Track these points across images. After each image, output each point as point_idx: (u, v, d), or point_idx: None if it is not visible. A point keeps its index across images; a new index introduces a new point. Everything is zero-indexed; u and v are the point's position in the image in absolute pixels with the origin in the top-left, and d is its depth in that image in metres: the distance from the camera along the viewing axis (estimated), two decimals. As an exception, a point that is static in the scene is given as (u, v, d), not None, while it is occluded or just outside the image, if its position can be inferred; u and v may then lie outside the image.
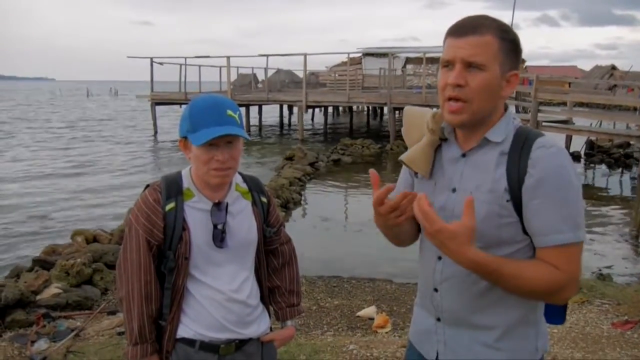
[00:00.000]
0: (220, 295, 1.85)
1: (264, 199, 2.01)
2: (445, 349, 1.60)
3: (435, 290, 1.59)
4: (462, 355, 1.57)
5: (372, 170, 1.49)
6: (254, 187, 1.99)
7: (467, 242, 1.34)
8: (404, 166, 1.70)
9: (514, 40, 1.47)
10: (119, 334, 4.67)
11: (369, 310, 5.71)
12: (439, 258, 1.56)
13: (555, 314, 1.62)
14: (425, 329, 1.67)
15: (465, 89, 1.42)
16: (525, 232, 1.46)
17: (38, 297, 5.69)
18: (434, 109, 1.66)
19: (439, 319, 1.61)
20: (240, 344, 1.90)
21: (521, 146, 1.45)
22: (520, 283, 1.40)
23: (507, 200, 1.44)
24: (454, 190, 1.54)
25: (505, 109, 1.54)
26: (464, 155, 1.54)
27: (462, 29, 1.44)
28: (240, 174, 1.98)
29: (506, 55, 1.45)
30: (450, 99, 1.45)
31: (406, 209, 1.45)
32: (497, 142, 1.48)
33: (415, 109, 1.71)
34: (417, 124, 1.63)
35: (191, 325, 1.86)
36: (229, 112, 1.78)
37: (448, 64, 1.45)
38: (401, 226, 1.56)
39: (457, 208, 1.51)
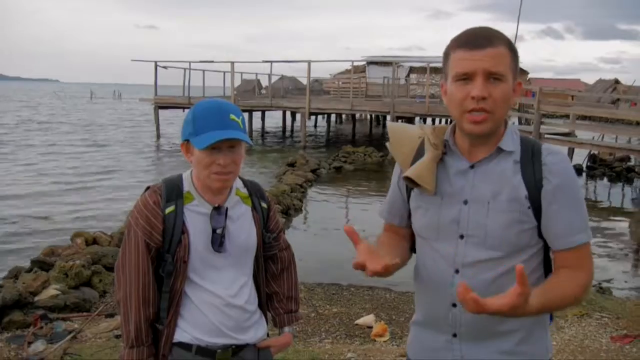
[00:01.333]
0: (218, 300, 1.85)
1: (264, 205, 2.00)
2: None
3: (454, 305, 1.55)
4: None
5: (347, 228, 1.43)
6: (254, 192, 1.99)
7: (527, 305, 1.29)
8: (394, 182, 1.71)
9: (516, 51, 1.50)
10: (117, 336, 4.66)
11: (368, 319, 5.69)
12: (456, 271, 1.54)
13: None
14: (435, 348, 1.64)
15: (489, 101, 1.43)
16: (540, 236, 1.51)
17: (36, 298, 5.68)
18: (420, 124, 1.68)
19: (454, 335, 1.58)
20: (237, 349, 1.89)
21: (531, 154, 1.51)
22: (567, 302, 1.47)
23: (528, 207, 1.48)
24: (465, 202, 1.54)
25: (505, 121, 1.57)
26: (472, 166, 1.55)
27: (477, 41, 1.45)
28: (241, 178, 1.97)
29: (514, 66, 1.49)
30: (472, 110, 1.45)
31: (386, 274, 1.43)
32: (511, 151, 1.52)
33: (399, 125, 1.74)
34: (406, 139, 1.66)
35: (188, 330, 1.85)
36: (232, 116, 1.77)
37: (466, 77, 1.45)
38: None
39: (471, 219, 1.52)
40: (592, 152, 18.22)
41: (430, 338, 1.65)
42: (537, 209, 1.48)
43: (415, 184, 1.58)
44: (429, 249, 1.62)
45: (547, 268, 1.58)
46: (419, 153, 1.61)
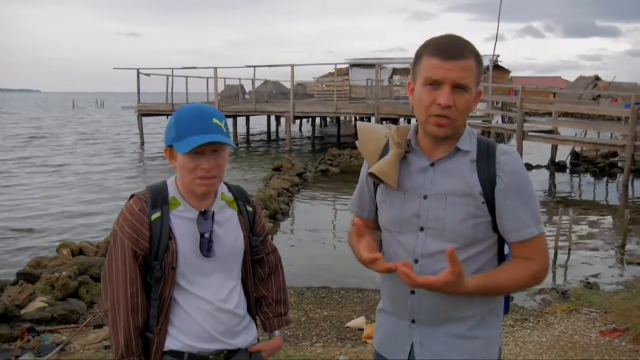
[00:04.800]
0: (209, 306, 1.83)
1: (250, 209, 1.99)
2: (422, 349, 1.70)
3: (413, 292, 1.68)
4: (441, 350, 1.68)
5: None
6: (239, 196, 1.98)
7: (462, 283, 1.50)
8: (363, 179, 1.83)
9: (482, 62, 1.64)
10: (106, 347, 4.61)
11: (359, 321, 5.68)
12: (416, 261, 1.66)
13: (504, 306, 1.80)
14: (396, 333, 1.77)
15: (453, 109, 1.56)
16: (494, 230, 1.64)
17: (23, 311, 5.61)
18: (386, 123, 1.84)
19: (413, 321, 1.71)
20: (229, 354, 1.88)
21: (486, 154, 1.64)
22: (513, 286, 1.63)
23: (483, 203, 1.60)
24: (425, 197, 1.66)
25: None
26: (432, 164, 1.67)
27: (450, 51, 1.55)
28: (225, 183, 1.96)
29: (479, 77, 1.62)
30: (437, 116, 1.57)
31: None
32: (468, 150, 1.64)
33: (368, 125, 1.86)
34: (373, 138, 1.78)
35: (179, 337, 1.83)
36: (215, 120, 1.77)
37: (436, 84, 1.56)
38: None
39: (430, 213, 1.65)
40: (574, 150, 18.35)
41: (393, 324, 1.78)
42: (491, 205, 1.60)
43: (380, 179, 1.69)
44: (392, 240, 1.74)
45: (501, 260, 1.70)
46: (385, 151, 1.73)
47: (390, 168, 1.68)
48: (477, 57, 1.60)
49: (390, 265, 1.55)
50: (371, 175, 1.72)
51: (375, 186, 1.78)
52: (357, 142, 1.81)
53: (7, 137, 30.77)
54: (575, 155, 18.60)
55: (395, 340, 1.77)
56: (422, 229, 1.66)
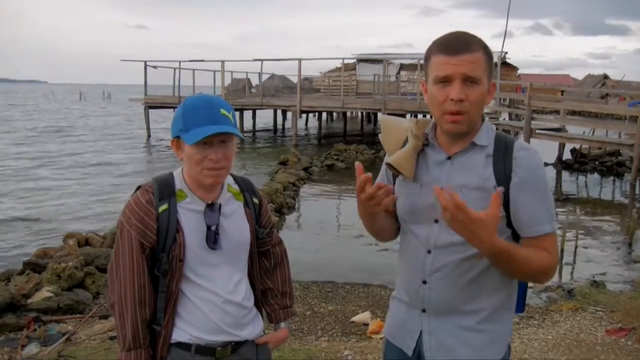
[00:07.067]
0: (216, 298, 1.83)
1: (256, 200, 1.99)
2: (430, 337, 1.73)
3: (424, 282, 1.71)
4: (448, 341, 1.70)
5: (357, 163, 1.57)
6: (245, 188, 1.98)
7: (494, 230, 1.45)
8: (383, 169, 1.85)
9: (491, 55, 1.65)
10: (111, 338, 4.62)
11: (364, 316, 5.69)
12: (429, 252, 1.69)
13: (519, 303, 1.80)
14: (406, 321, 1.80)
15: (465, 103, 1.57)
16: (508, 225, 1.64)
17: (29, 301, 5.63)
18: (410, 117, 1.76)
19: (424, 310, 1.74)
20: (236, 346, 1.88)
21: (503, 149, 1.64)
22: (528, 266, 1.57)
23: None
24: (441, 189, 1.63)
25: (482, 118, 1.70)
26: (449, 158, 1.69)
27: (456, 46, 1.57)
28: (231, 175, 1.95)
29: (489, 69, 1.63)
30: (451, 112, 1.59)
31: (381, 200, 1.57)
32: (484, 145, 1.66)
33: (390, 117, 1.89)
34: (394, 130, 1.81)
35: (187, 329, 1.83)
36: (223, 111, 1.76)
37: (445, 80, 1.57)
38: (379, 220, 1.77)
39: None
40: (574, 148, 18.20)
41: (404, 312, 1.81)
42: (505, 200, 1.60)
43: (396, 169, 1.72)
44: (408, 231, 1.78)
45: None
46: (405, 144, 1.76)
47: (405, 159, 1.71)
48: (485, 49, 1.61)
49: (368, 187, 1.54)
50: (388, 165, 1.76)
51: (394, 177, 1.81)
52: (379, 134, 1.85)
53: (17, 129, 30.87)
54: (579, 154, 18.44)
55: (405, 327, 1.79)
56: (436, 221, 1.68)
